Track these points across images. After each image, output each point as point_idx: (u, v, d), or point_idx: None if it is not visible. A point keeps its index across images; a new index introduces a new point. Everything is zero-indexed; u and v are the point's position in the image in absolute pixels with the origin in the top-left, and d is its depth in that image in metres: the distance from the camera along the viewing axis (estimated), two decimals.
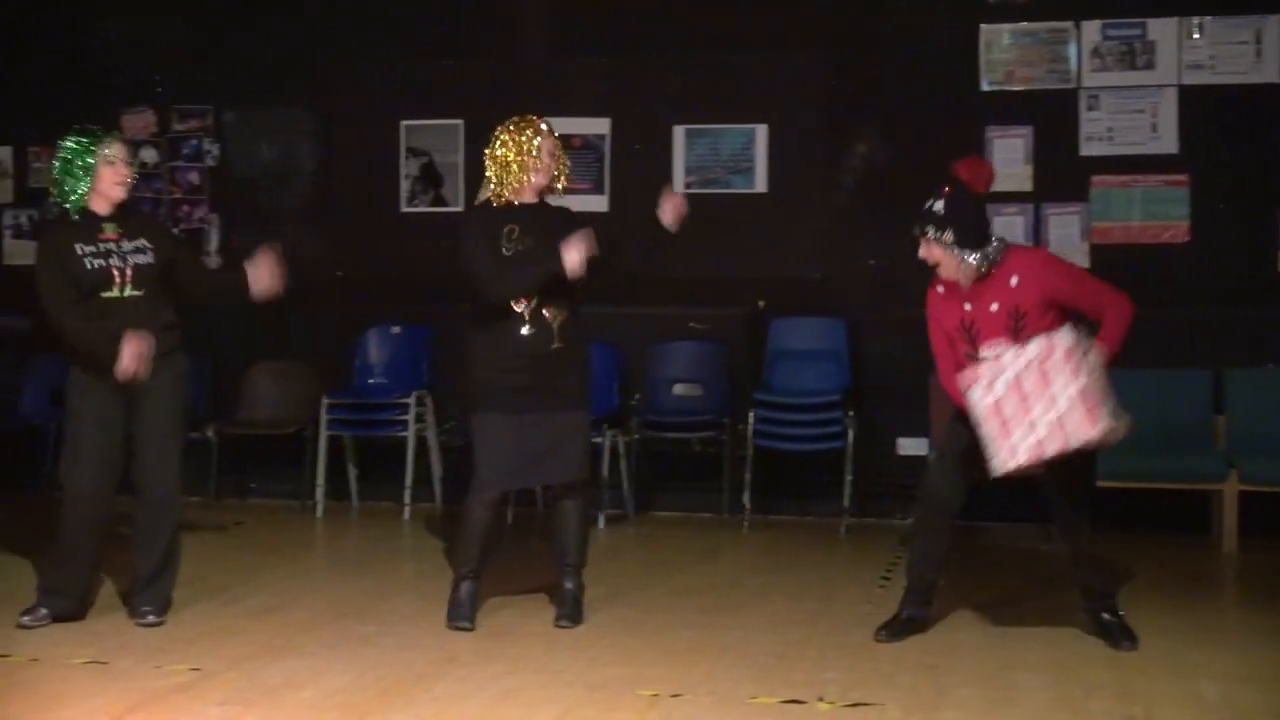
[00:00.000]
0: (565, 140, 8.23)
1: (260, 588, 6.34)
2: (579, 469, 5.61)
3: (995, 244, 5.15)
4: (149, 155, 8.85)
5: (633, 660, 5.15)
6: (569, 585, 5.72)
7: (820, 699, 4.67)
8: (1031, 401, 4.93)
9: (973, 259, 5.11)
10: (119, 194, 5.52)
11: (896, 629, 5.40)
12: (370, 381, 8.48)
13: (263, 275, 5.71)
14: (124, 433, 5.57)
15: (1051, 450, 4.93)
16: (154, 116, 8.86)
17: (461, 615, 5.60)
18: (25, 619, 5.54)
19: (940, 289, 5.26)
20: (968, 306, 5.17)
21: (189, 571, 6.45)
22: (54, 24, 8.91)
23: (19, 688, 4.81)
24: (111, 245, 5.47)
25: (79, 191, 5.47)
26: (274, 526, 7.97)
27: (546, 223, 5.52)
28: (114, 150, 5.49)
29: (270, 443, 8.42)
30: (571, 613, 5.67)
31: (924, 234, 5.14)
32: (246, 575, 6.60)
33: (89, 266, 5.42)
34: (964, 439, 5.27)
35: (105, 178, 5.47)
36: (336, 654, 5.23)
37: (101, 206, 5.51)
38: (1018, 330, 5.07)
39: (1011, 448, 4.96)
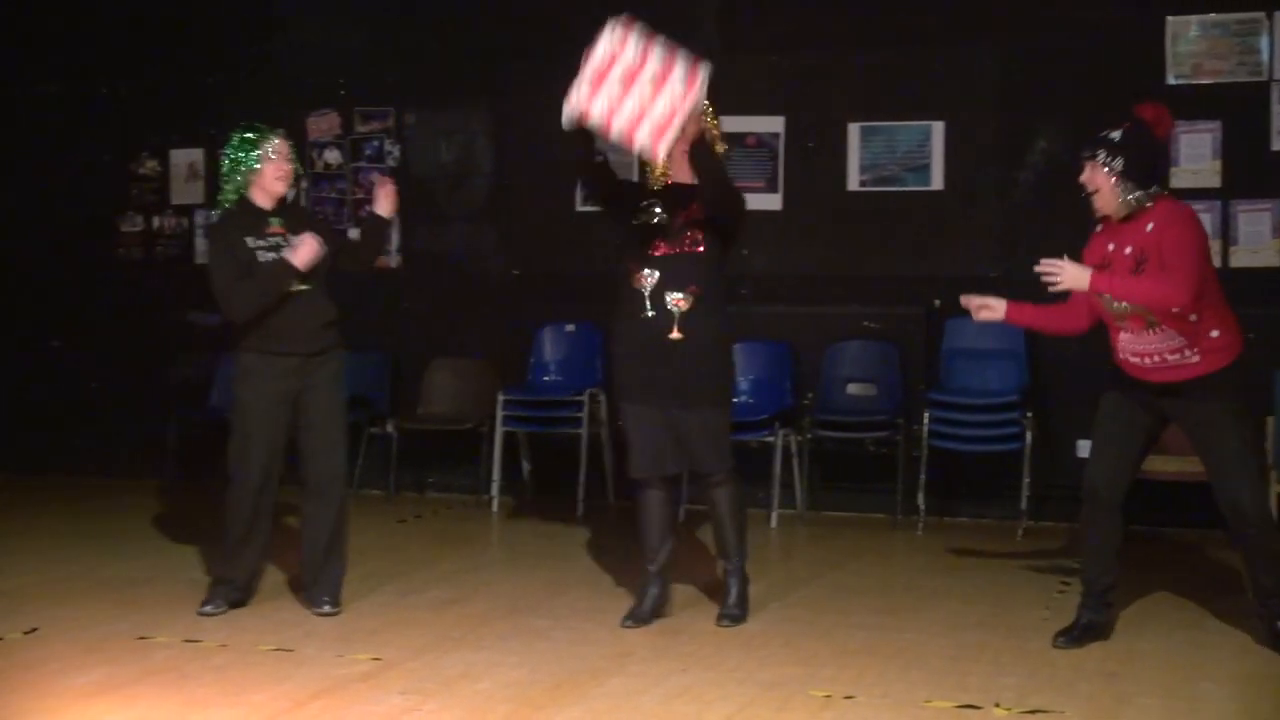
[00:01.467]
0: (738, 138, 8.35)
1: (438, 580, 6.47)
2: (707, 463, 5.55)
3: (1154, 190, 5.06)
4: (333, 156, 9.08)
5: (805, 660, 5.14)
6: (730, 583, 5.70)
7: (997, 704, 4.60)
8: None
9: (1132, 196, 5.02)
10: (280, 189, 5.70)
11: (1076, 635, 5.29)
12: (545, 379, 8.59)
13: (383, 201, 5.92)
14: (288, 425, 5.73)
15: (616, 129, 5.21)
16: (338, 118, 9.08)
17: (636, 615, 5.66)
18: (206, 608, 5.75)
19: (1097, 228, 5.21)
20: (1111, 246, 5.10)
21: (370, 563, 6.65)
22: (242, 30, 9.19)
23: (211, 672, 4.99)
24: (279, 239, 5.65)
25: (243, 187, 5.67)
26: (451, 520, 8.12)
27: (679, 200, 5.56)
28: (275, 146, 5.67)
29: (448, 438, 8.58)
30: (732, 612, 5.65)
31: (1094, 158, 5.06)
32: (425, 568, 6.74)
33: (261, 259, 5.60)
34: (1118, 419, 5.17)
35: (267, 173, 5.65)
36: (511, 647, 5.31)
37: (265, 201, 5.69)
38: (1136, 274, 4.99)
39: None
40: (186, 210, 9.34)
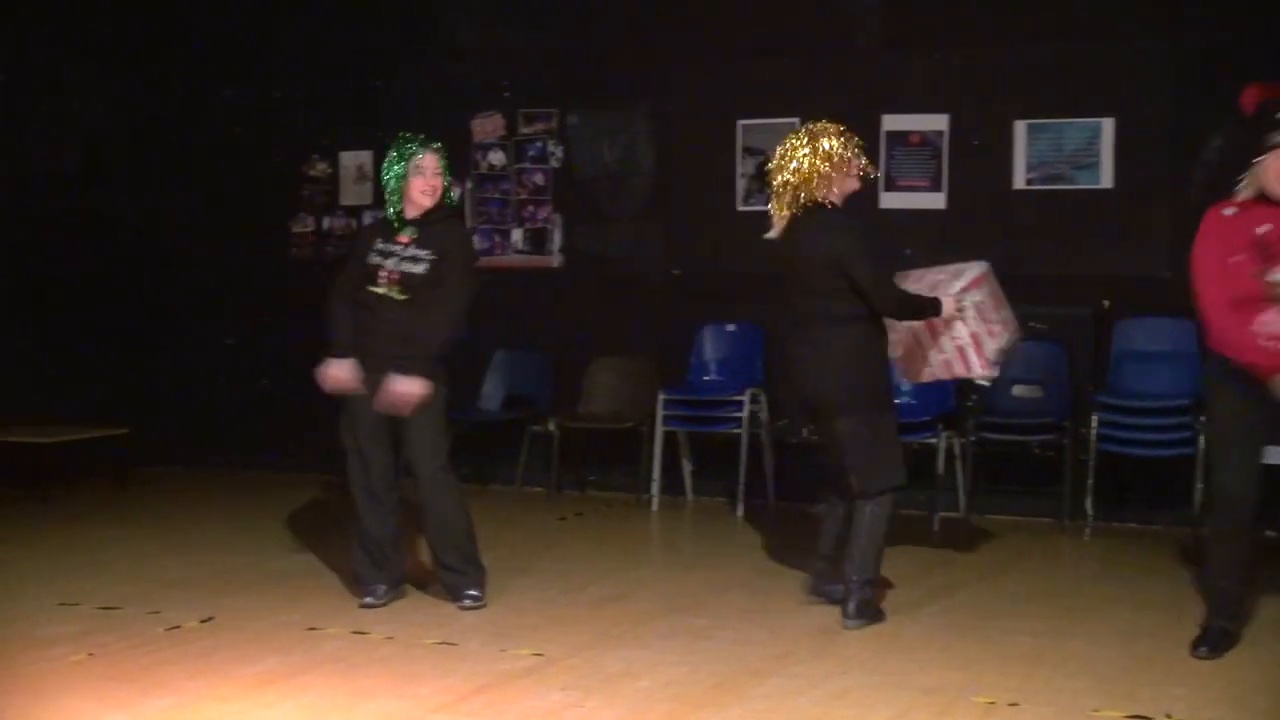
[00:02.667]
0: (902, 137, 8.27)
1: (598, 578, 6.51)
2: (857, 472, 5.59)
3: None
4: (497, 158, 9.20)
5: (967, 665, 5.07)
6: (850, 582, 5.67)
7: (1167, 716, 4.49)
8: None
9: None
10: (425, 202, 5.79)
11: (1214, 644, 5.14)
12: (705, 378, 8.60)
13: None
14: (387, 422, 5.80)
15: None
16: (502, 120, 9.19)
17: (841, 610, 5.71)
18: (367, 599, 5.88)
19: (1229, 211, 5.07)
20: (1262, 228, 4.96)
21: (531, 560, 6.73)
22: (410, 34, 9.36)
23: (378, 664, 5.09)
24: (398, 248, 5.75)
25: (395, 196, 5.79)
26: (611, 519, 8.17)
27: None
28: (423, 160, 5.76)
29: (608, 437, 8.63)
30: (862, 613, 5.64)
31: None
32: (585, 565, 6.79)
33: (368, 260, 5.76)
34: (1245, 421, 5.01)
35: (414, 185, 5.76)
36: (671, 646, 5.33)
37: (410, 211, 5.79)
38: None
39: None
40: (355, 211, 9.53)
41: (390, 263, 5.74)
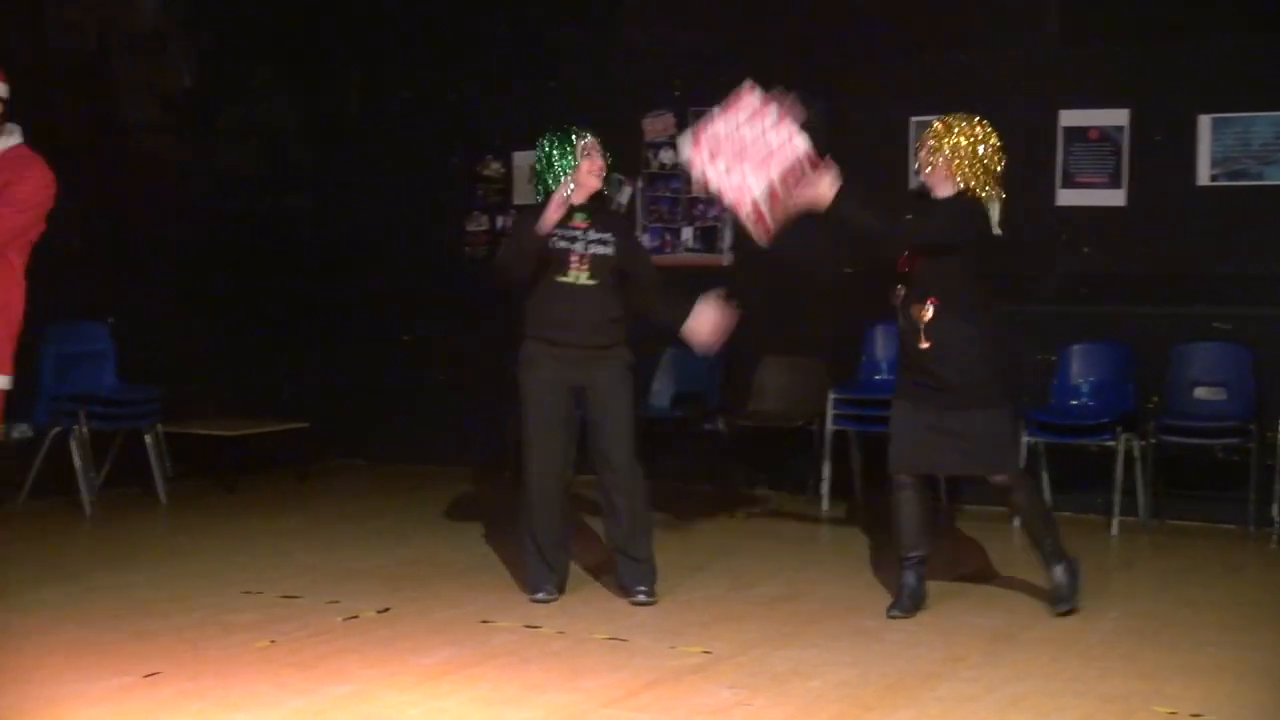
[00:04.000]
0: (1081, 132, 8.09)
1: (768, 577, 6.50)
2: (999, 465, 5.62)
3: None
4: (667, 156, 9.22)
5: (1148, 674, 4.94)
6: (1052, 573, 5.72)
7: None
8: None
9: None
10: (594, 183, 5.86)
11: None
12: (876, 377, 8.49)
13: (703, 327, 5.91)
14: (574, 415, 5.90)
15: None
16: (672, 119, 9.21)
17: (898, 605, 5.73)
18: (539, 595, 5.95)
19: None
20: None
21: (700, 557, 6.75)
22: (579, 33, 9.44)
23: (550, 658, 5.15)
24: (578, 233, 5.82)
25: (544, 183, 5.87)
26: (780, 518, 8.14)
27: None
28: (589, 143, 5.86)
29: (778, 435, 8.60)
30: (1064, 595, 5.65)
31: None
32: (754, 564, 6.78)
33: (552, 245, 5.77)
34: None
35: (583, 168, 5.83)
36: (842, 646, 5.29)
37: (578, 196, 5.83)
38: None
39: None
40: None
41: (578, 246, 5.81)
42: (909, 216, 5.70)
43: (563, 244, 5.80)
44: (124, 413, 8.20)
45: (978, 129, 5.64)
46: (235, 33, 9.53)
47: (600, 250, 5.84)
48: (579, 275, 5.81)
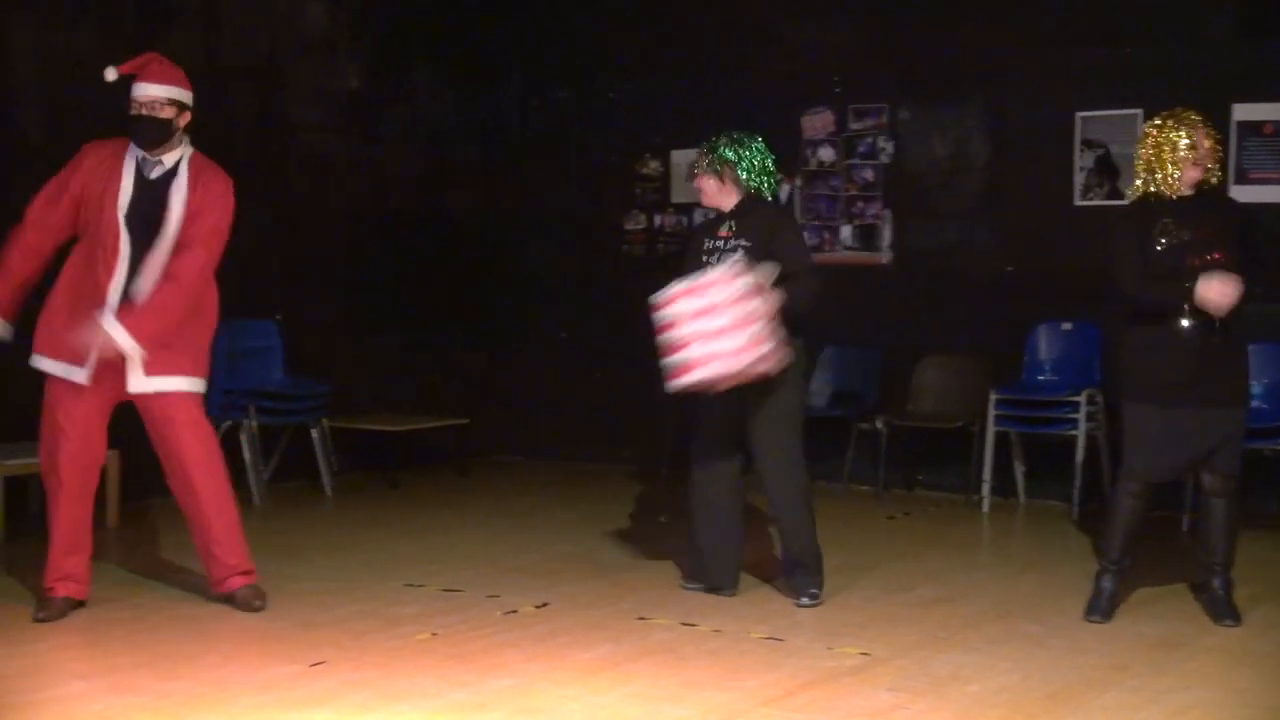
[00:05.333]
0: (1255, 127, 7.85)
1: (926, 578, 6.43)
2: (1230, 465, 5.49)
3: None
4: (826, 154, 9.17)
5: None
6: (1216, 584, 5.59)
7: None
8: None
9: None
10: (706, 202, 6.01)
11: None
12: (1040, 378, 8.37)
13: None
14: (742, 418, 5.87)
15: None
16: (832, 117, 9.16)
17: (1097, 609, 5.59)
18: (690, 585, 6.03)
19: None
20: None
21: (857, 558, 6.70)
22: (739, 31, 9.43)
23: (706, 655, 5.15)
24: (720, 242, 5.91)
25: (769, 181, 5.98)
26: (939, 519, 8.04)
27: (1202, 215, 5.42)
28: (695, 161, 5.99)
29: (937, 436, 8.50)
30: (1224, 611, 5.51)
31: None
32: (913, 565, 6.71)
33: (703, 261, 5.86)
34: None
35: (699, 184, 6.00)
36: (1003, 651, 5.21)
37: (725, 204, 5.96)
38: None
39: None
40: (686, 209, 9.66)
41: (714, 259, 5.87)
42: (1165, 219, 5.44)
43: (706, 258, 5.89)
44: (292, 408, 8.41)
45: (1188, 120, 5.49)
46: (399, 36, 9.71)
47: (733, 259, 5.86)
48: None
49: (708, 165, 5.94)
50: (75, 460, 5.52)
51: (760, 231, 5.85)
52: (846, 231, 9.12)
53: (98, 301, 5.40)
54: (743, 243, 5.82)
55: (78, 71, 7.84)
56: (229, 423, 8.04)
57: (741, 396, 5.82)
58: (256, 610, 5.62)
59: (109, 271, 5.42)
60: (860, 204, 9.09)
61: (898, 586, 6.25)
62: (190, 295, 5.48)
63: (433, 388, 9.77)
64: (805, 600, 5.87)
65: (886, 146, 8.99)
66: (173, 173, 5.53)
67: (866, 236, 9.05)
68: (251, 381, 8.32)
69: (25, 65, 7.70)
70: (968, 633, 5.49)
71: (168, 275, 5.43)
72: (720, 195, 5.96)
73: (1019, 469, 8.41)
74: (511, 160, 10.27)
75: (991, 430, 8.16)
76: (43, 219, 5.49)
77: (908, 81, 8.90)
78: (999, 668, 5.00)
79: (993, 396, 8.17)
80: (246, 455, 8.11)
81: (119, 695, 4.61)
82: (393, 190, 9.74)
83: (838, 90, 9.13)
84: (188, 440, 5.60)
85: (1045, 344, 8.43)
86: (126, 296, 5.41)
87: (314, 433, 8.55)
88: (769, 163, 5.98)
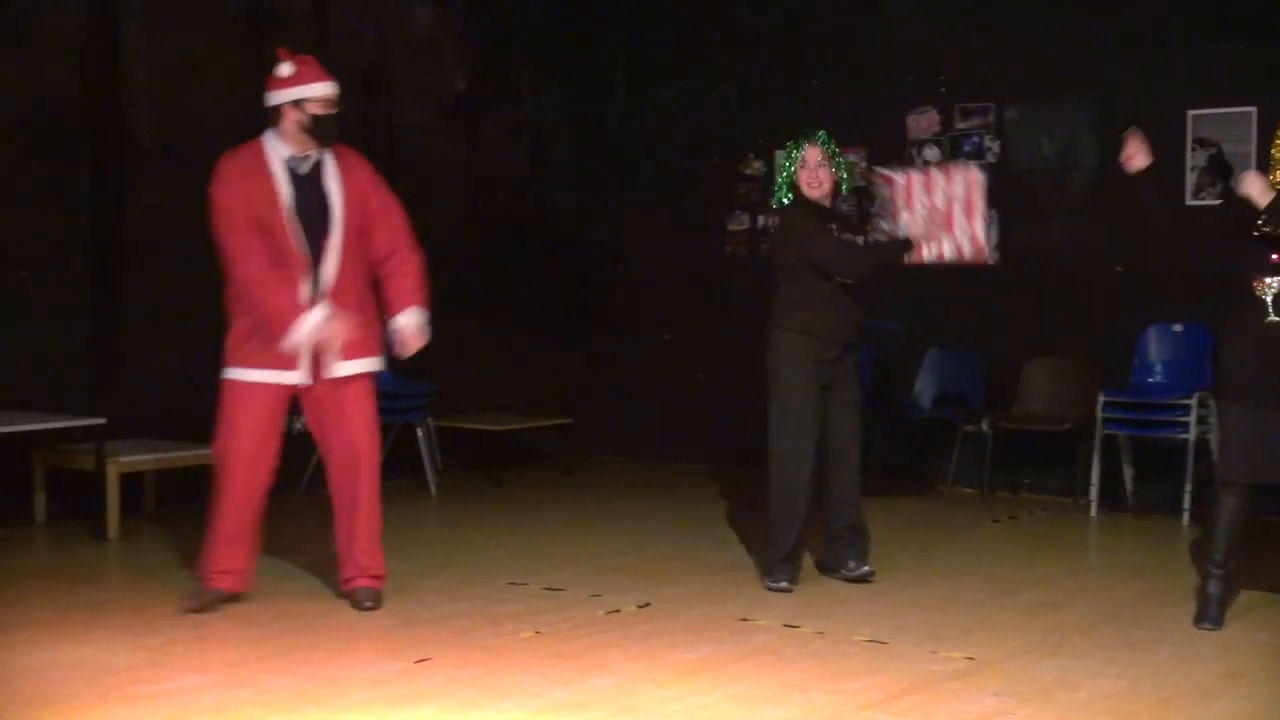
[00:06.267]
0: None
1: (1032, 583, 6.35)
2: None
3: None
4: (931, 154, 9.09)
5: None
6: None
7: None
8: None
9: None
10: (813, 194, 6.11)
11: None
12: (1149, 380, 8.24)
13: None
14: (821, 406, 6.09)
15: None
16: (937, 116, 9.08)
17: (1207, 616, 5.49)
18: (769, 583, 6.10)
19: None
20: None
21: (961, 561, 6.66)
22: (844, 30, 9.38)
23: (809, 657, 5.13)
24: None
25: (784, 190, 6.22)
26: (1045, 523, 7.94)
27: None
28: (805, 154, 6.10)
29: (1044, 439, 8.40)
30: None
31: None
32: (1018, 569, 6.64)
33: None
34: None
35: (801, 179, 6.12)
36: (1110, 657, 5.14)
37: (828, 202, 6.16)
38: None
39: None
40: None
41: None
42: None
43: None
44: (398, 406, 8.50)
45: None
46: (504, 38, 9.79)
47: None
48: None
49: (833, 161, 6.13)
50: (251, 459, 5.63)
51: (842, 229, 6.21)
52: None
53: (291, 303, 5.52)
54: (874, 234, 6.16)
55: (191, 76, 8.01)
56: None
57: (824, 387, 6.03)
58: (368, 610, 5.69)
59: (293, 272, 5.54)
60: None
61: (1003, 590, 6.18)
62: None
63: (536, 387, 9.83)
64: (865, 568, 6.16)
65: (993, 146, 8.89)
66: (320, 164, 5.67)
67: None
68: None
69: (140, 70, 7.87)
70: (1075, 638, 5.42)
71: (407, 247, 5.75)
72: (832, 193, 6.18)
73: (1128, 473, 8.28)
74: (614, 160, 10.31)
75: (1100, 433, 8.05)
76: (254, 251, 5.48)
77: (1014, 80, 8.80)
78: (1106, 674, 4.93)
79: (1101, 399, 8.06)
80: None
81: (231, 688, 4.70)
82: (497, 191, 9.81)
83: (943, 90, 9.05)
84: (365, 426, 5.74)
85: (1155, 345, 8.29)
86: (317, 289, 5.57)
87: (419, 432, 8.65)
88: (785, 171, 6.24)
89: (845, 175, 6.23)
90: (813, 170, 6.09)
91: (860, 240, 6.29)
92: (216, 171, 5.57)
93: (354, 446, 5.72)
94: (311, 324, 5.47)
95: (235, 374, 5.60)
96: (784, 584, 6.07)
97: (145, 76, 7.89)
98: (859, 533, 6.25)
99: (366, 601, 5.72)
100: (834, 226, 6.13)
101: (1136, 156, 5.52)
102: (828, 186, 6.13)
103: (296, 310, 5.48)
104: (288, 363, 5.55)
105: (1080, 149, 8.64)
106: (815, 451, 6.08)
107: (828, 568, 6.34)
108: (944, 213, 6.05)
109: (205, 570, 5.70)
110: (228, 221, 5.50)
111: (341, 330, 5.53)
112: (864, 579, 6.20)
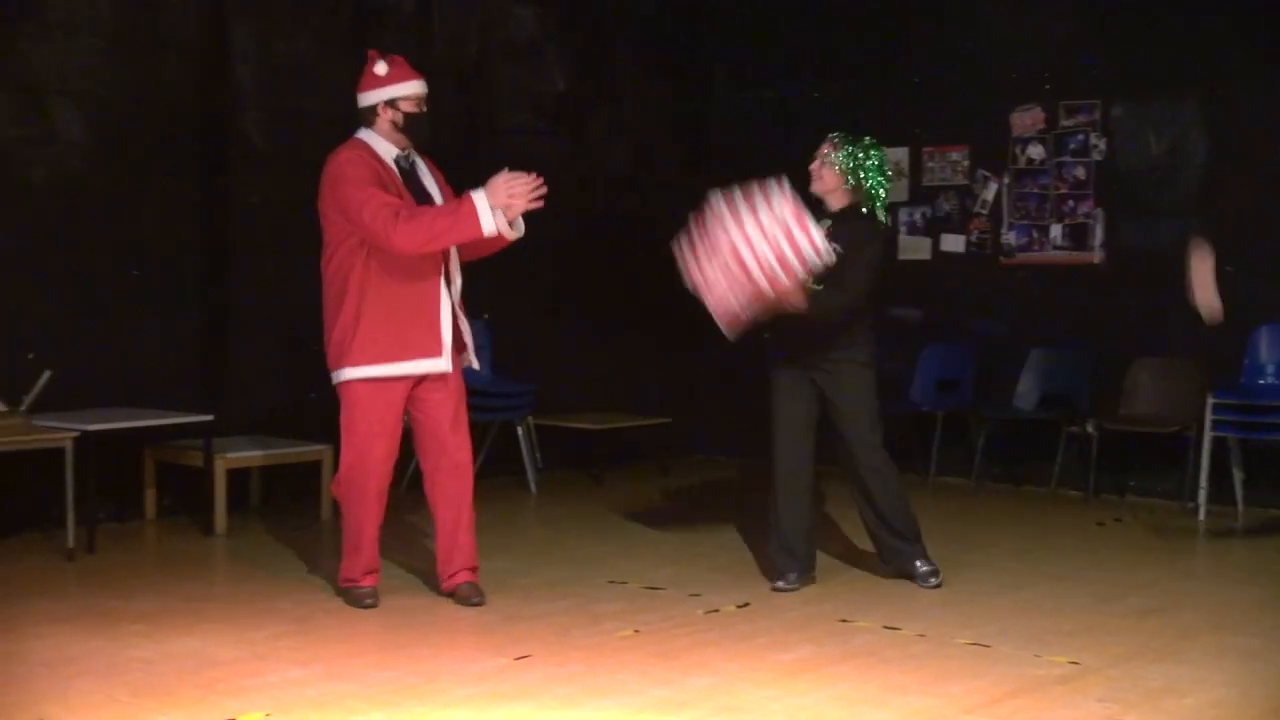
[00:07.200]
0: None
1: (1138, 587, 6.25)
2: None
3: None
4: (1035, 152, 8.98)
5: None
6: None
7: None
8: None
9: None
10: (816, 189, 6.10)
11: None
12: (1260, 382, 8.06)
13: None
14: (815, 410, 6.19)
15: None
16: (1041, 113, 8.96)
17: None
18: (779, 584, 6.12)
19: None
20: None
21: (1065, 565, 6.58)
22: (946, 27, 9.29)
23: (910, 660, 5.09)
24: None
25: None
26: (1152, 526, 7.80)
27: None
28: (816, 152, 6.12)
29: (1151, 440, 8.27)
30: None
31: None
32: (1124, 573, 6.53)
33: None
34: None
35: (811, 173, 6.11)
36: (1219, 664, 5.04)
37: (831, 203, 6.11)
38: None
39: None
40: (890, 208, 9.53)
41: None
42: None
43: None
44: (499, 405, 8.57)
45: None
46: (605, 37, 9.82)
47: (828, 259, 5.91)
48: (806, 280, 5.85)
49: (841, 162, 6.03)
50: (389, 458, 5.74)
51: (850, 241, 5.94)
52: (1056, 230, 8.91)
53: (431, 297, 5.62)
54: (835, 246, 5.82)
55: (297, 77, 8.12)
56: None
57: (822, 394, 6.12)
58: (475, 605, 5.74)
59: (436, 264, 5.64)
60: (1071, 202, 8.87)
61: (1108, 595, 6.09)
62: None
63: (636, 386, 9.84)
64: (932, 581, 6.12)
65: (1099, 143, 8.75)
66: (414, 161, 5.77)
67: (1077, 235, 8.83)
68: None
69: (247, 72, 7.99)
70: (1182, 644, 5.32)
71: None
72: (835, 193, 6.09)
73: (1237, 476, 8.11)
74: (715, 159, 10.29)
75: (1209, 435, 7.90)
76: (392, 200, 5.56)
77: (1121, 76, 8.66)
78: (1214, 681, 4.84)
79: (1210, 400, 7.91)
80: None
81: (333, 682, 4.76)
82: (598, 190, 9.84)
83: (1048, 87, 8.93)
84: (462, 422, 5.83)
85: (1266, 346, 8.12)
86: (449, 282, 5.72)
87: (519, 430, 8.70)
88: (885, 180, 6.10)
89: (852, 181, 6.04)
90: (815, 166, 6.11)
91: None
92: (341, 159, 5.60)
93: (460, 438, 5.79)
94: (502, 183, 5.52)
95: (365, 372, 5.61)
96: (780, 584, 6.13)
97: (253, 78, 8.01)
98: (901, 535, 6.23)
99: (474, 597, 5.77)
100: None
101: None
102: (828, 184, 6.07)
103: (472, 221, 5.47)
104: (430, 350, 5.62)
105: (1189, 147, 8.48)
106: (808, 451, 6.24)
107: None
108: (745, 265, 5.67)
109: (353, 573, 5.77)
110: (365, 186, 5.49)
111: (520, 185, 5.55)
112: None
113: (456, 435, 5.78)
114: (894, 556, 6.23)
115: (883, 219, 6.20)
